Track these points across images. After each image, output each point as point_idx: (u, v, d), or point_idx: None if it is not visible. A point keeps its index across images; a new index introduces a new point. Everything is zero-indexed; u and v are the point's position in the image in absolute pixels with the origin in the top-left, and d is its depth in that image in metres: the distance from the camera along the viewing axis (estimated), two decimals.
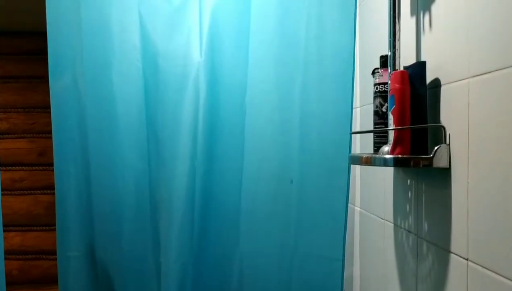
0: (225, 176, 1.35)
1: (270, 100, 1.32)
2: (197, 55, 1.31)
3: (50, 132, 1.31)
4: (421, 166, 0.83)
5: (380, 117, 0.97)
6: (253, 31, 1.32)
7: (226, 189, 1.35)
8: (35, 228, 2.94)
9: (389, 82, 0.89)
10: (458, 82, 0.77)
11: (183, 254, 1.32)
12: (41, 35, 1.35)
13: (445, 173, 0.81)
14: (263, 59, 1.32)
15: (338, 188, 1.28)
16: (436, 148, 0.80)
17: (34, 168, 2.94)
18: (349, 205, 1.39)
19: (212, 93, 1.32)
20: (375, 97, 0.99)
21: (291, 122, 1.31)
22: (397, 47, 0.90)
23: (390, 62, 0.91)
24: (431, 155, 0.80)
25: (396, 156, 0.85)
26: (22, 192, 2.94)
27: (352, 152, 1.30)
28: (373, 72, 1.00)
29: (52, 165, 1.31)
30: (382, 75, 0.97)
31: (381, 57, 0.98)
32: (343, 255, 1.30)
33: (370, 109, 1.05)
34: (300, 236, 1.31)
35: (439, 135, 0.82)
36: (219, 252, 1.35)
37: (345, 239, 1.29)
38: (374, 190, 1.21)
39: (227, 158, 1.35)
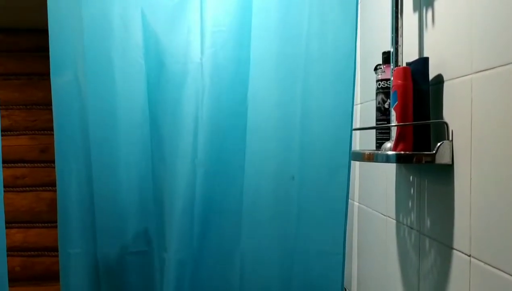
0: (226, 172, 1.35)
1: (272, 97, 1.32)
2: (198, 52, 1.31)
3: (51, 129, 1.31)
4: (423, 162, 0.83)
5: (382, 113, 0.97)
6: (255, 27, 1.32)
7: (227, 185, 1.35)
8: (37, 224, 2.95)
9: (392, 78, 0.88)
10: (461, 78, 0.77)
11: (182, 250, 1.32)
12: (42, 32, 1.35)
13: (448, 169, 0.80)
14: (264, 56, 1.31)
15: (338, 184, 1.29)
16: (438, 144, 0.80)
17: (35, 165, 2.94)
18: (351, 201, 1.39)
19: (213, 90, 1.32)
20: (377, 94, 0.99)
21: (293, 119, 1.31)
22: (399, 43, 0.90)
23: (392, 58, 0.91)
24: (434, 151, 0.80)
25: (398, 152, 0.84)
26: (24, 189, 2.94)
27: (353, 148, 1.30)
28: (376, 69, 1.00)
29: (53, 161, 1.31)
30: (384, 72, 0.97)
31: (384, 53, 0.98)
32: (344, 250, 1.30)
33: (372, 105, 1.04)
34: (301, 231, 1.31)
35: (441, 131, 0.82)
36: (220, 248, 1.36)
37: (345, 233, 1.30)
38: (376, 187, 1.21)
39: (229, 154, 1.35)
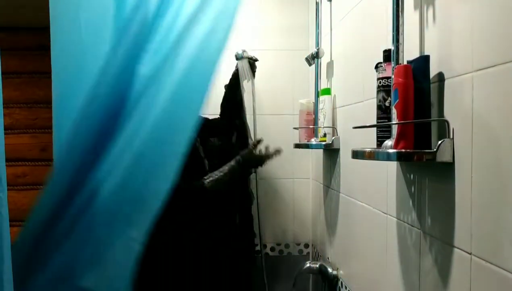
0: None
1: (163, 84, 1.29)
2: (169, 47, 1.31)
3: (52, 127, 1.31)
4: (424, 160, 0.83)
5: (383, 111, 0.97)
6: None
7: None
8: None
9: (393, 76, 0.88)
10: (462, 76, 0.77)
11: None
12: (42, 30, 1.35)
13: (449, 167, 0.80)
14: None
15: (165, 175, 1.25)
16: (439, 142, 0.80)
17: (36, 163, 2.95)
18: (351, 199, 1.39)
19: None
20: (378, 92, 0.99)
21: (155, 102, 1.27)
22: (400, 41, 0.90)
23: (393, 56, 0.90)
24: (435, 149, 0.80)
25: (399, 150, 0.84)
26: (25, 187, 2.95)
27: (353, 146, 1.30)
28: (376, 67, 1.00)
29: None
30: (385, 70, 0.97)
31: (384, 51, 0.98)
32: (145, 239, 1.26)
33: (373, 103, 1.04)
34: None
35: (442, 129, 0.82)
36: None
37: (152, 223, 1.25)
38: (377, 185, 1.21)
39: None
